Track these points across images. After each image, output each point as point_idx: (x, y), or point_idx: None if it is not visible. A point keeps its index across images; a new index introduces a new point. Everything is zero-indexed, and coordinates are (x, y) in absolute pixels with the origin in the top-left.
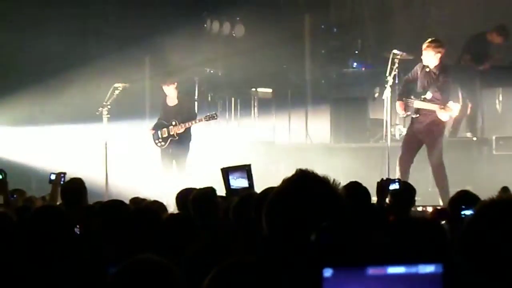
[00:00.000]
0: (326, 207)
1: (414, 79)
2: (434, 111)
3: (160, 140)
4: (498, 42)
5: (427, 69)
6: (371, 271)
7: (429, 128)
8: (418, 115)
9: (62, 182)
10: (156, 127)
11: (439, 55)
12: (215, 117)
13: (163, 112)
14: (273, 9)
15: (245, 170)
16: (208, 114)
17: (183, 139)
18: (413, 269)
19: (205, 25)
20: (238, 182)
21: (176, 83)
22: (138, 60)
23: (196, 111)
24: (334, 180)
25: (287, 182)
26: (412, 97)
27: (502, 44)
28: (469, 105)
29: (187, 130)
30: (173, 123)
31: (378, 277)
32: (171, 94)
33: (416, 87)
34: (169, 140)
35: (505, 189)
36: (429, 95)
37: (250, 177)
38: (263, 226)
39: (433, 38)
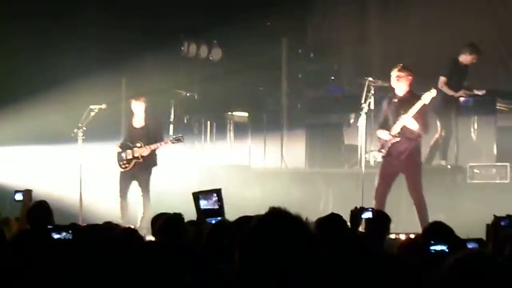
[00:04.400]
0: (297, 247)
1: (386, 117)
2: (410, 136)
3: (125, 162)
4: (471, 62)
5: (395, 100)
6: None
7: (407, 158)
8: (396, 141)
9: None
10: (121, 148)
11: (408, 81)
12: (181, 140)
13: (128, 133)
14: (251, 33)
15: (216, 193)
16: (174, 136)
17: (148, 162)
18: None
19: (182, 48)
20: (209, 205)
21: (144, 102)
22: (115, 82)
23: (162, 134)
24: (306, 218)
25: (259, 220)
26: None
27: (475, 63)
28: (443, 133)
29: (152, 153)
30: (138, 145)
31: None
32: (139, 113)
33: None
34: (133, 162)
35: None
36: (405, 116)
37: (221, 200)
38: (235, 260)
39: (402, 65)
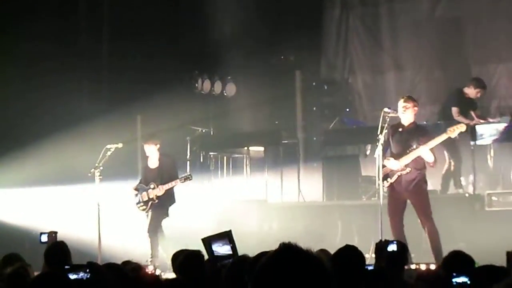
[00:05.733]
0: (309, 282)
1: (387, 147)
2: (418, 166)
3: (142, 204)
4: (475, 96)
5: (400, 129)
6: None
7: (415, 187)
8: (406, 172)
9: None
10: (138, 191)
11: (414, 112)
12: (190, 178)
13: (143, 175)
14: (264, 67)
15: (227, 236)
16: (183, 175)
17: (163, 201)
18: None
19: (196, 84)
20: (222, 249)
21: (158, 144)
22: (130, 120)
23: (176, 172)
24: (318, 252)
25: (269, 257)
26: (389, 158)
27: (480, 97)
28: (452, 163)
29: (168, 193)
30: (152, 186)
31: None
32: (152, 155)
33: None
34: (149, 204)
35: None
36: (422, 148)
37: (233, 242)
38: None
39: (408, 95)
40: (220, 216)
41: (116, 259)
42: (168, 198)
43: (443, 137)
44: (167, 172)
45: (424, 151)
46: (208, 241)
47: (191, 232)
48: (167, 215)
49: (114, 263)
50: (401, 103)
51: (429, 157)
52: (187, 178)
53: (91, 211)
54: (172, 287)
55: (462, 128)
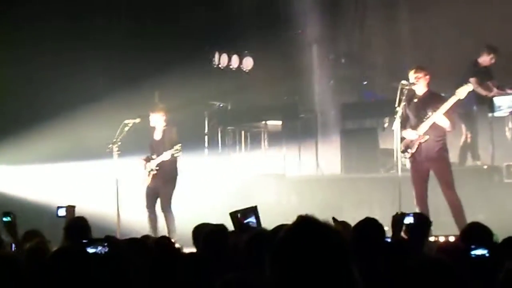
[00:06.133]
0: (328, 256)
1: (406, 118)
2: (437, 134)
3: (147, 174)
4: (490, 62)
5: (415, 100)
6: None
7: (437, 156)
8: (424, 140)
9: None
10: (146, 162)
11: (426, 81)
12: (179, 150)
13: (150, 147)
14: (281, 41)
15: (253, 211)
16: (175, 148)
17: (164, 174)
18: None
19: (214, 59)
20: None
21: (164, 114)
22: (148, 95)
23: (177, 142)
24: (337, 224)
25: (287, 230)
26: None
27: (495, 63)
28: (468, 135)
29: (167, 165)
30: (153, 157)
31: None
32: (158, 125)
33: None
34: (150, 175)
35: None
36: (436, 113)
37: (258, 217)
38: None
39: (417, 65)
40: (238, 190)
41: (135, 234)
42: (168, 171)
43: (453, 99)
44: (169, 142)
45: (438, 117)
46: (235, 215)
47: (210, 206)
48: (174, 187)
49: (136, 238)
50: (411, 75)
51: (444, 123)
52: (176, 151)
53: (109, 186)
54: (194, 260)
55: (469, 87)
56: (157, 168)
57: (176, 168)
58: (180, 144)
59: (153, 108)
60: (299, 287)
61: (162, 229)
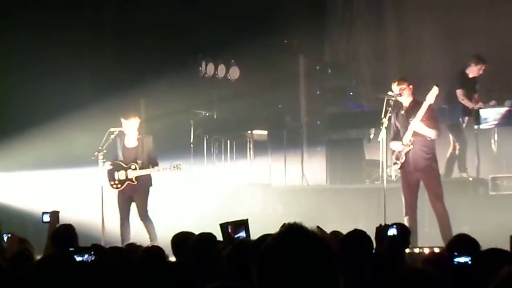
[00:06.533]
0: (315, 265)
1: (396, 131)
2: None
3: (117, 182)
4: (478, 73)
5: (402, 112)
6: None
7: (425, 166)
8: (408, 149)
9: (59, 221)
10: (114, 167)
11: (410, 91)
12: (180, 168)
13: (121, 153)
14: (268, 51)
15: (243, 225)
16: (174, 164)
17: (143, 184)
18: None
19: (200, 68)
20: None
21: (138, 120)
22: (133, 103)
23: (155, 154)
24: (321, 231)
25: (274, 237)
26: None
27: (483, 74)
28: (457, 146)
29: (147, 176)
30: (132, 167)
31: None
32: (131, 132)
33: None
34: (126, 184)
35: None
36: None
37: (248, 231)
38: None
39: (399, 78)
40: (223, 199)
41: (119, 242)
42: (148, 181)
43: (424, 105)
44: (147, 154)
45: (414, 124)
46: (225, 227)
47: (194, 216)
48: (149, 194)
49: (118, 247)
50: (395, 87)
51: (425, 131)
52: (177, 167)
53: (94, 194)
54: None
55: (434, 91)
56: (136, 179)
57: (151, 178)
58: (180, 163)
59: (125, 115)
60: None
61: (142, 238)
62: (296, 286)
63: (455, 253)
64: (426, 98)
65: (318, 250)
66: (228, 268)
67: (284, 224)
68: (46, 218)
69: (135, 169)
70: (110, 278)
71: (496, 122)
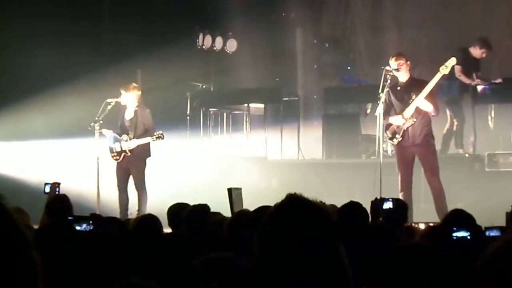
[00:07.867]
0: (317, 233)
1: (390, 106)
2: (423, 119)
3: (115, 154)
4: (480, 56)
5: (399, 87)
6: None
7: (423, 141)
8: (411, 124)
9: (57, 193)
10: (112, 140)
11: (408, 67)
12: (162, 137)
13: (119, 125)
14: (266, 24)
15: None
16: (155, 133)
17: (138, 155)
18: None
19: (197, 40)
20: None
21: (138, 92)
22: (130, 74)
23: (151, 124)
24: (324, 203)
25: (277, 206)
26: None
27: (485, 57)
28: (455, 122)
29: (143, 147)
30: (125, 138)
31: None
32: (130, 104)
33: (394, 111)
34: (122, 155)
35: None
36: (418, 97)
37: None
38: (255, 248)
39: (397, 53)
40: (219, 172)
41: (115, 213)
42: (143, 152)
43: (437, 76)
44: (141, 124)
45: (420, 100)
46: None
47: (189, 187)
48: (145, 166)
49: (116, 217)
50: (393, 62)
51: (427, 107)
52: (159, 137)
53: (90, 164)
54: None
55: (452, 61)
56: (130, 150)
57: (149, 149)
58: (162, 132)
59: (126, 86)
60: (289, 264)
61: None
62: (299, 253)
63: (454, 228)
64: (441, 69)
65: (322, 218)
66: (227, 238)
67: (287, 194)
68: (48, 189)
69: (127, 140)
70: (109, 248)
71: (493, 99)
